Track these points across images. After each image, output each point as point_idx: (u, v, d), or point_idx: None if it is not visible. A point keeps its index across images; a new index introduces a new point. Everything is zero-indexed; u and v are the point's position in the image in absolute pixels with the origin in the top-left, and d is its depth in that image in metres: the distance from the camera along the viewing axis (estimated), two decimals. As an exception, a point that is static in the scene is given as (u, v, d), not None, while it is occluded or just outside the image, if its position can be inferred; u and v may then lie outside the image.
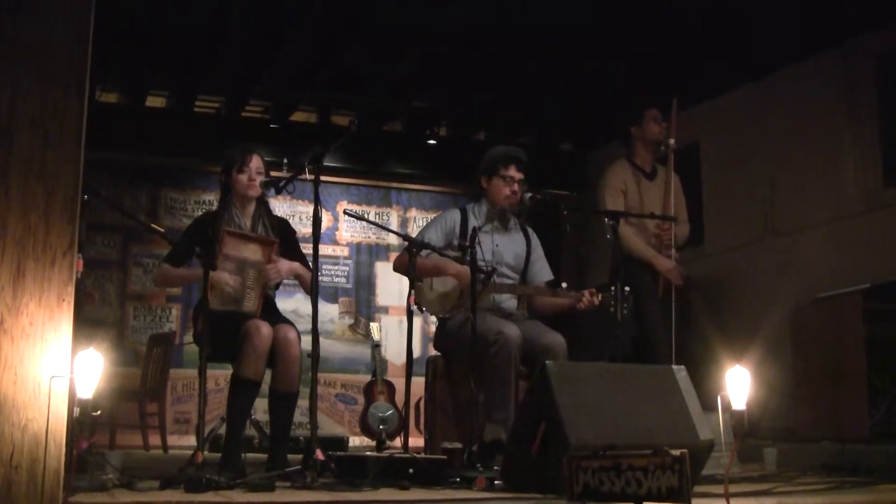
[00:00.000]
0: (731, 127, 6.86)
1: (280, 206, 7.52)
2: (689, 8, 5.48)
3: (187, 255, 3.87)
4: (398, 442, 5.36)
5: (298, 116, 8.01)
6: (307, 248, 3.77)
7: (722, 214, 6.90)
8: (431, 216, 8.25)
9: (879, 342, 4.76)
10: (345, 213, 7.85)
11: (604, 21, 5.82)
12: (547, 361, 3.18)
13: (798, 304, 5.43)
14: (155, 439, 6.44)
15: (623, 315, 3.89)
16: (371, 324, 7.44)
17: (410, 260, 3.98)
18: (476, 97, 7.47)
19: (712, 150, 7.07)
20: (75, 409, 2.46)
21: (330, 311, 8.19)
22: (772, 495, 3.16)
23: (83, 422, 2.49)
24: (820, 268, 5.81)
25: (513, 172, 4.45)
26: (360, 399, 7.03)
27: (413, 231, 8.15)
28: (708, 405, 3.19)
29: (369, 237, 8.46)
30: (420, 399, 4.42)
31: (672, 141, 5.06)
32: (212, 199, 7.77)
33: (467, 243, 3.94)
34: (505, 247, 4.50)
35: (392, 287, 8.22)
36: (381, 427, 6.36)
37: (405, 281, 4.06)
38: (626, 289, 3.93)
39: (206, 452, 3.25)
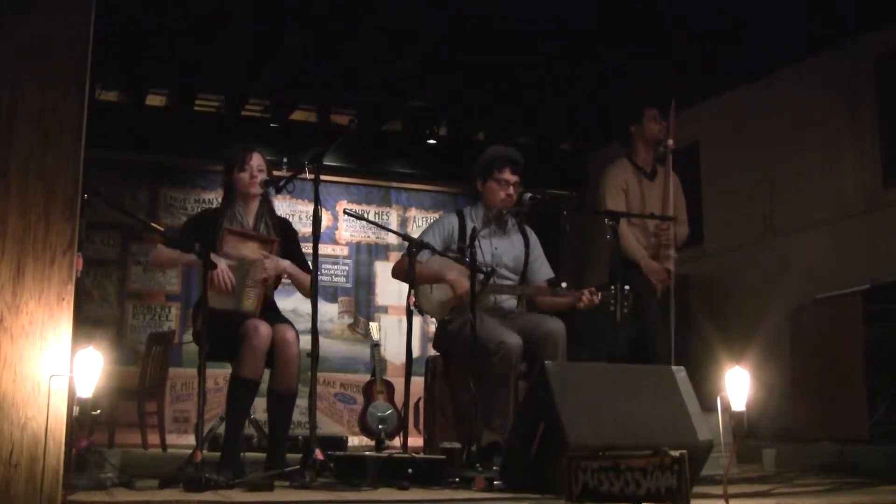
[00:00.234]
0: (731, 127, 6.85)
1: (280, 206, 7.44)
2: (689, 8, 5.49)
3: (183, 249, 3.83)
4: (397, 442, 5.34)
5: (298, 115, 8.01)
6: (307, 248, 3.77)
7: (722, 214, 6.89)
8: (431, 216, 8.30)
9: (879, 343, 4.76)
10: (344, 212, 7.84)
11: (604, 21, 5.82)
12: (546, 361, 3.19)
13: (797, 305, 5.43)
14: (154, 438, 6.43)
15: (623, 315, 3.89)
16: (370, 323, 7.43)
17: (410, 262, 3.94)
18: (475, 97, 7.47)
19: (712, 150, 7.06)
20: (74, 407, 2.46)
21: (329, 311, 8.19)
22: (771, 496, 3.17)
23: (82, 420, 2.48)
24: (819, 268, 5.81)
25: (507, 175, 4.39)
26: (360, 399, 7.02)
27: (413, 231, 8.16)
28: (707, 406, 3.19)
29: (369, 237, 8.46)
30: (419, 399, 4.42)
31: (671, 141, 5.06)
32: (211, 197, 7.78)
33: (466, 245, 3.93)
34: (503, 250, 4.48)
35: (391, 287, 8.19)
36: (380, 427, 6.36)
37: (405, 281, 4.06)
38: (626, 288, 3.93)
39: (205, 451, 3.24)
